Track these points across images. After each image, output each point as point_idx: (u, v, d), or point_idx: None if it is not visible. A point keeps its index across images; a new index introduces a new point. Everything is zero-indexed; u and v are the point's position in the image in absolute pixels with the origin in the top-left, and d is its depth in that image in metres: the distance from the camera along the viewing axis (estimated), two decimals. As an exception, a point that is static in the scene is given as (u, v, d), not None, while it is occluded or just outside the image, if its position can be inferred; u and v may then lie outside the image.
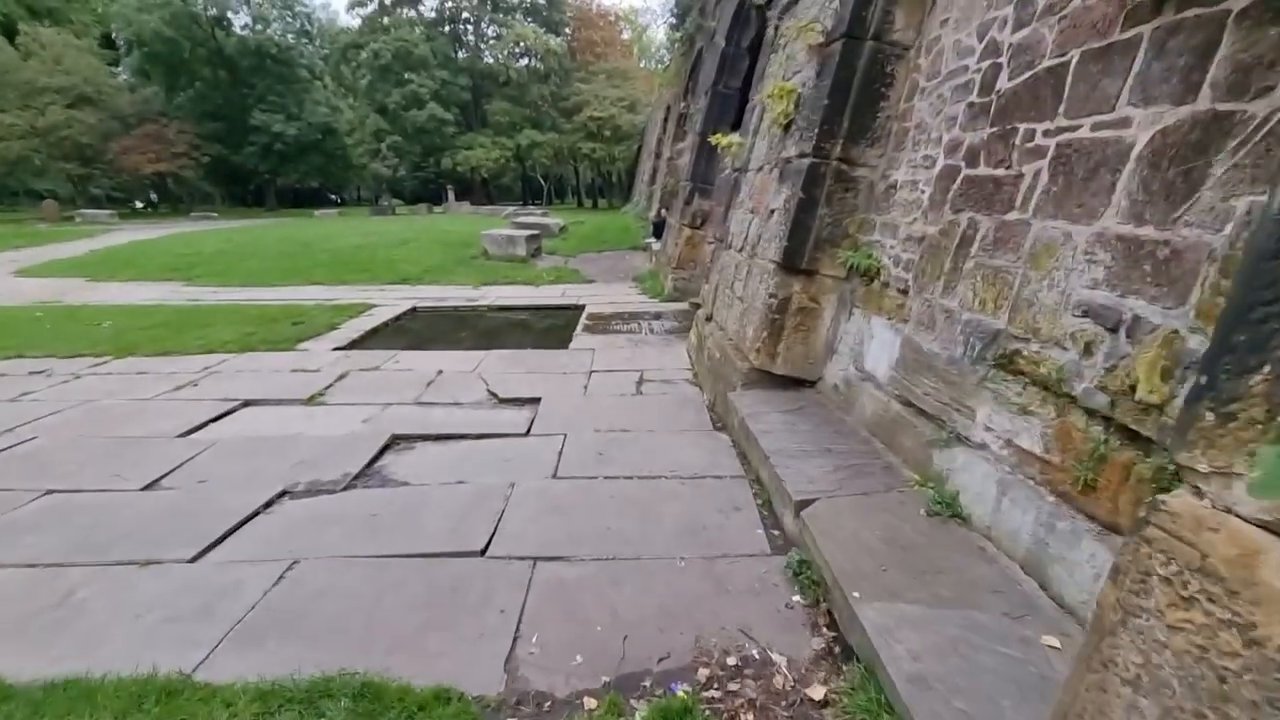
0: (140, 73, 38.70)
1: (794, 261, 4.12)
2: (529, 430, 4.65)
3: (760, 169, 5.27)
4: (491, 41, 42.44)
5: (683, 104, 14.08)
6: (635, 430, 4.60)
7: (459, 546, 3.00)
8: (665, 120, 19.32)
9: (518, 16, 42.60)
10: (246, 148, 39.87)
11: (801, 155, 4.17)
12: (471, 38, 44.56)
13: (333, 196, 48.86)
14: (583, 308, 9.86)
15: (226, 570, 2.82)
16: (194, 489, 3.68)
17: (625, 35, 46.19)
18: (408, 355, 6.86)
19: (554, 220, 18.92)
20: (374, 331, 8.38)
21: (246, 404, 5.27)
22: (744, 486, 3.64)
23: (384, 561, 2.88)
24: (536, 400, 5.32)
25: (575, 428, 4.66)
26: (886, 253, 3.71)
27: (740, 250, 5.43)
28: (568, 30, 44.56)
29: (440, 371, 6.15)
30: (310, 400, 5.36)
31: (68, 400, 5.25)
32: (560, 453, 4.18)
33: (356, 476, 3.87)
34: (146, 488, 3.68)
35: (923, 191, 3.41)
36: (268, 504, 3.48)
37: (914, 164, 3.57)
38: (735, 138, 5.99)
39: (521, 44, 38.48)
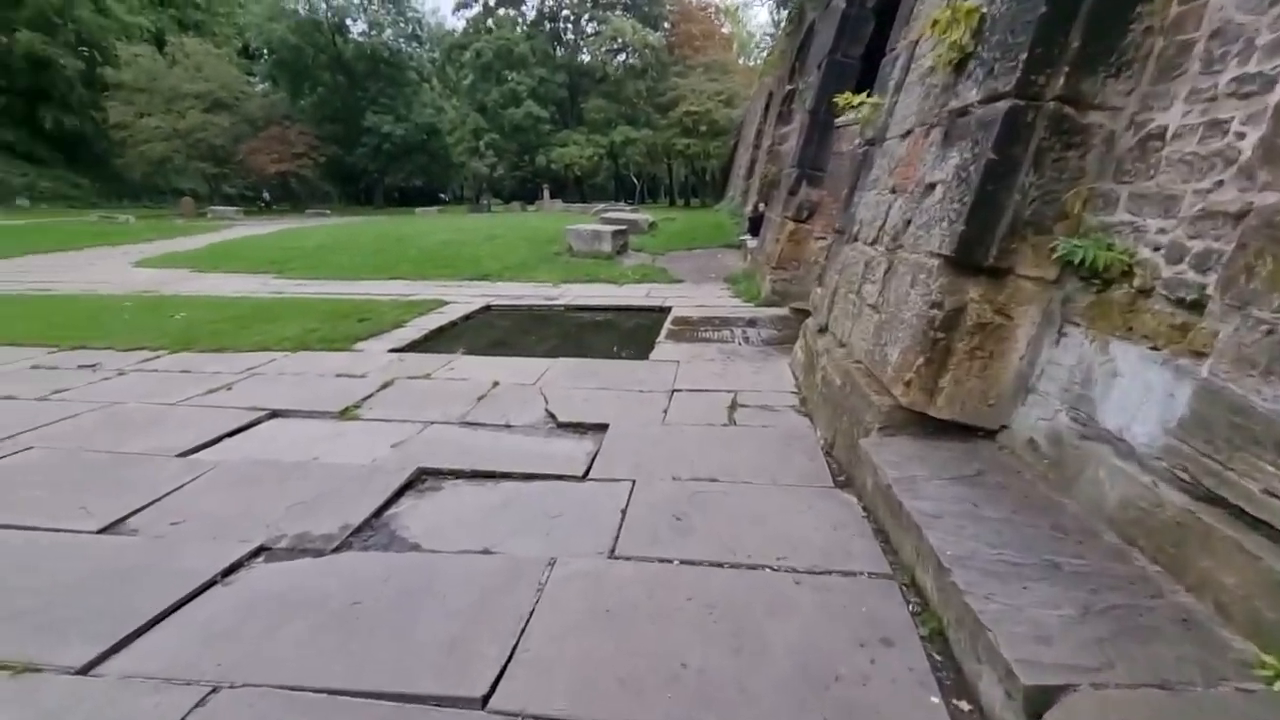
0: (269, 79, 41.63)
1: (972, 256, 2.79)
2: (588, 471, 3.59)
3: (908, 133, 3.93)
4: (590, 38, 42.29)
5: (788, 85, 12.65)
6: (727, 480, 3.42)
7: (452, 684, 1.95)
8: (766, 108, 17.87)
9: (617, 12, 42.16)
10: (359, 148, 41.97)
11: (991, 98, 2.83)
12: (571, 35, 44.68)
13: (442, 195, 50.69)
14: (668, 310, 8.76)
15: (117, 694, 1.93)
16: (158, 535, 2.89)
17: (725, 29, 44.68)
18: (466, 361, 6.02)
19: (643, 216, 17.97)
20: (439, 331, 7.68)
21: (274, 415, 4.57)
22: (892, 594, 2.39)
23: (335, 705, 1.88)
24: (603, 427, 4.25)
25: (648, 471, 3.55)
26: (1147, 240, 2.33)
27: (874, 243, 4.11)
28: (667, 24, 43.66)
29: (496, 383, 5.23)
30: (343, 414, 4.58)
31: (94, 401, 4.76)
32: (625, 511, 3.08)
33: (357, 530, 2.95)
34: (106, 529, 2.92)
35: (1239, 136, 2.02)
36: (232, 568, 2.62)
37: (1209, 96, 2.17)
38: (866, 98, 4.66)
39: (619, 39, 37.98)
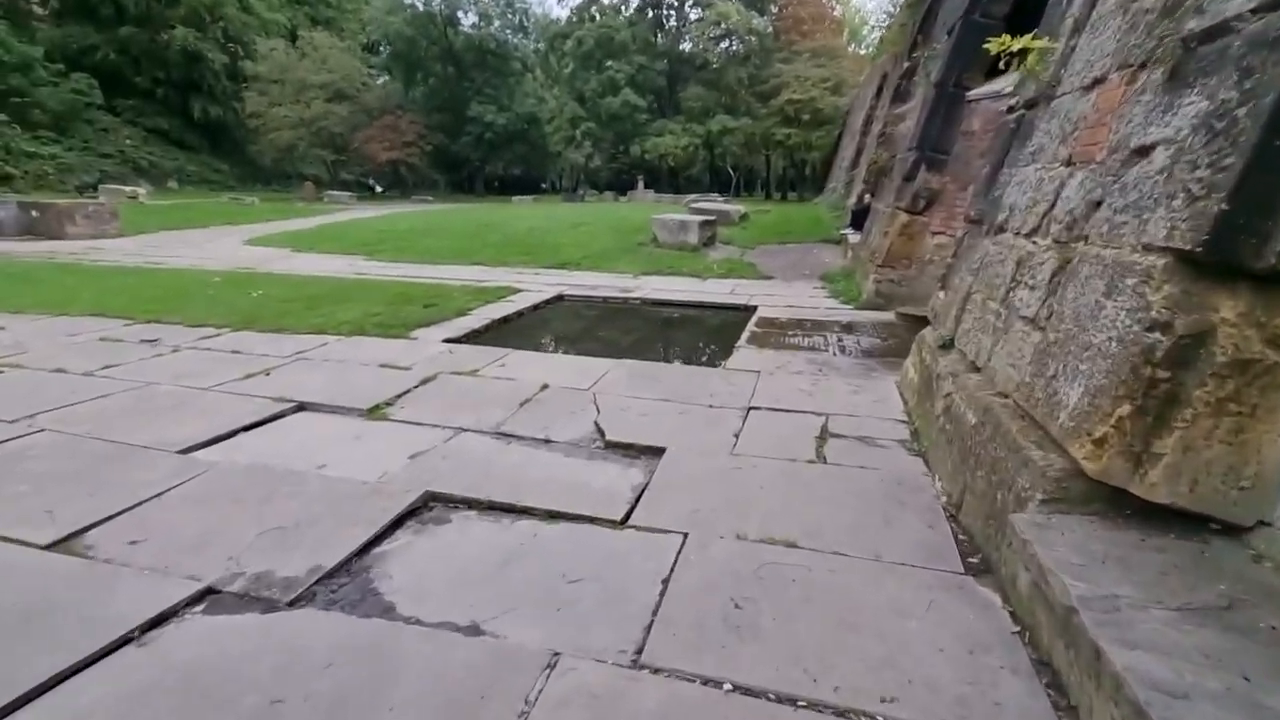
0: (386, 70, 43.75)
1: (1235, 252, 1.75)
2: (629, 513, 2.82)
3: (1095, 83, 2.84)
4: (692, 24, 41.24)
5: (906, 61, 11.21)
6: (810, 545, 2.55)
7: None
8: (878, 92, 16.29)
9: (722, -3, 40.84)
10: (463, 137, 43.30)
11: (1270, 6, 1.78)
12: (673, 21, 43.81)
13: (542, 185, 51.50)
14: (753, 310, 7.83)
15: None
16: (107, 559, 2.41)
17: (837, 10, 42.21)
18: (520, 357, 5.41)
19: (735, 207, 16.93)
20: (504, 321, 7.16)
21: (300, 408, 4.13)
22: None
23: None
24: (658, 451, 3.48)
25: (706, 522, 2.73)
26: None
27: (1032, 234, 3.06)
28: (774, 8, 41.83)
29: (546, 385, 4.57)
30: (371, 412, 4.06)
31: (134, 381, 4.53)
32: (666, 583, 2.29)
33: (329, 574, 2.34)
34: (56, 544, 2.49)
35: None
36: (161, 618, 2.07)
37: None
38: (1032, 41, 3.52)
39: (723, 24, 36.71)
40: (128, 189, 25.60)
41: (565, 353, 5.95)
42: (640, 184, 42.08)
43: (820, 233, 14.37)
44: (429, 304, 7.67)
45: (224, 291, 8.22)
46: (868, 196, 11.56)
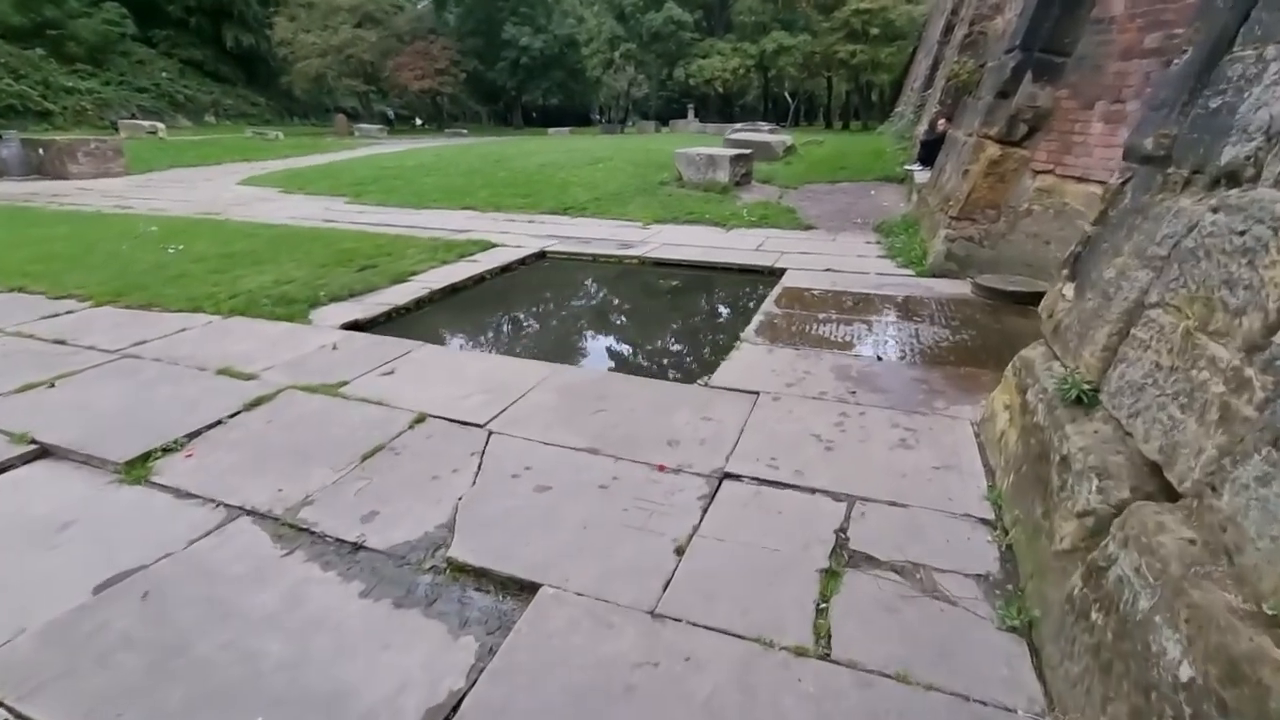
0: (417, -9, 41.11)
1: None
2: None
3: None
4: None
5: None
6: None
7: None
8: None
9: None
10: (499, 63, 40.69)
11: None
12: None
13: (594, 117, 48.04)
14: (780, 275, 6.00)
15: None
16: None
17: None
18: (426, 356, 3.85)
19: (780, 138, 14.54)
20: (453, 290, 5.59)
21: (42, 454, 2.74)
22: None
23: None
24: (528, 591, 1.91)
25: None
26: None
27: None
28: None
29: (423, 418, 3.02)
30: (132, 467, 2.62)
31: None
32: None
33: None
34: None
35: None
36: None
37: None
38: None
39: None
40: (147, 124, 24.78)
41: (496, 349, 4.37)
42: (691, 113, 38.84)
43: (881, 169, 11.99)
44: (367, 265, 6.17)
45: (140, 247, 6.91)
46: (942, 123, 9.19)
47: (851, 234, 8.02)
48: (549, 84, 41.85)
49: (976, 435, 2.85)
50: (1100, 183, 4.94)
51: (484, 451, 2.73)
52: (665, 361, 4.31)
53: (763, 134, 16.05)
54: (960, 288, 5.51)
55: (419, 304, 5.19)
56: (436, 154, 18.45)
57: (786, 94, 47.63)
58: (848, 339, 4.23)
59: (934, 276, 5.89)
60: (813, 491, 2.46)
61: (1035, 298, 5.25)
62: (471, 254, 6.86)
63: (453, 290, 5.62)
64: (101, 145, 16.90)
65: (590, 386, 3.39)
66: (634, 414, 3.07)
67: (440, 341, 4.21)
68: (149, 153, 19.57)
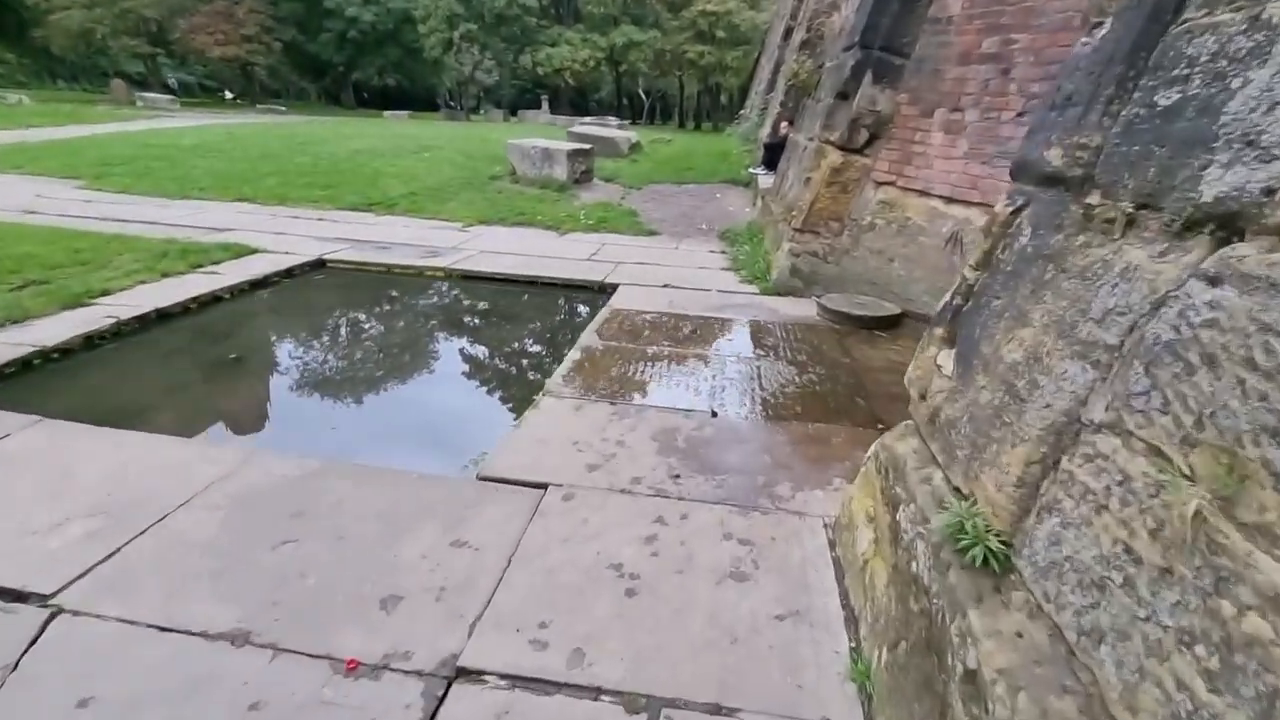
0: (218, -57, 35.40)
1: None
2: None
3: None
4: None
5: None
6: None
7: None
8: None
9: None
10: (322, 34, 36.36)
11: None
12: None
13: (451, 104, 44.06)
14: (611, 291, 5.11)
15: None
16: None
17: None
18: (25, 445, 2.40)
19: (625, 134, 13.80)
20: (156, 319, 4.03)
21: None
22: None
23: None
24: None
25: None
26: None
27: None
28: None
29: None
30: None
31: None
32: None
33: None
34: None
35: None
36: None
37: None
38: None
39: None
40: None
41: (172, 422, 2.98)
42: (545, 105, 37.28)
43: (728, 171, 11.62)
44: (36, 280, 4.38)
45: None
46: (785, 125, 8.89)
47: (695, 241, 7.36)
48: (384, 62, 38.17)
49: (831, 547, 2.07)
50: (944, 199, 4.57)
51: (16, 663, 1.47)
52: (430, 433, 3.18)
53: (609, 129, 15.24)
54: (806, 308, 4.94)
55: (91, 342, 3.60)
56: (229, 133, 15.54)
57: (641, 91, 47.73)
58: (679, 383, 3.39)
59: (779, 294, 5.31)
60: (597, 695, 1.52)
61: (882, 322, 4.82)
62: (216, 263, 5.24)
63: (159, 318, 4.06)
64: None
65: (290, 491, 2.20)
66: (343, 544, 1.95)
67: (85, 411, 2.76)
68: None
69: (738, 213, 8.79)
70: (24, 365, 3.23)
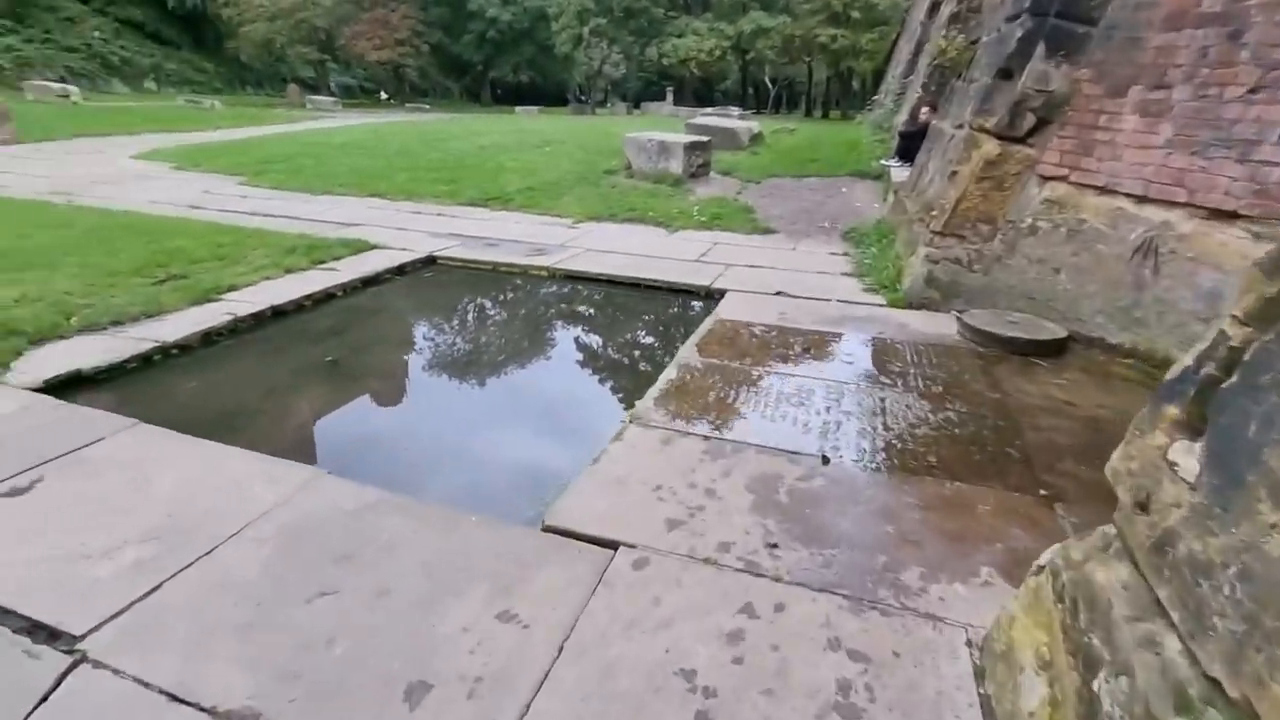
0: (377, -46, 38.51)
1: None
2: None
3: None
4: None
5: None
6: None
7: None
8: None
9: None
10: (465, 35, 38.51)
11: None
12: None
13: (581, 98, 45.44)
14: (718, 299, 4.70)
15: None
16: None
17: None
18: (108, 455, 2.41)
19: (746, 125, 13.14)
20: (272, 316, 4.17)
21: None
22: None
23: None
24: None
25: None
26: None
27: None
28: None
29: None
30: None
31: None
32: None
33: None
34: None
35: None
36: None
37: None
38: None
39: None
40: (58, 87, 22.45)
41: (248, 432, 2.95)
42: (669, 96, 37.21)
43: (855, 163, 10.68)
44: (177, 274, 4.71)
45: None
46: (925, 111, 7.93)
47: (815, 241, 6.72)
48: (519, 59, 39.83)
49: (978, 679, 1.55)
50: (1134, 198, 3.69)
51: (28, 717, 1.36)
52: (504, 459, 2.93)
53: (730, 120, 14.63)
54: (944, 325, 4.24)
55: (209, 339, 3.76)
56: (374, 131, 16.72)
57: (767, 80, 46.24)
58: (785, 415, 2.92)
59: (911, 307, 4.62)
60: None
61: (1042, 347, 4.00)
62: (336, 259, 5.42)
63: (274, 315, 4.19)
64: (-16, 110, 14.83)
65: (342, 527, 2.02)
66: (382, 602, 1.72)
67: (178, 413, 2.81)
68: (53, 119, 17.49)
69: (865, 209, 7.98)
70: (145, 361, 3.40)
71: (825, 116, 35.44)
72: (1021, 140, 4.31)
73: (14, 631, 1.58)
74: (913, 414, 2.98)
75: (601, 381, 3.86)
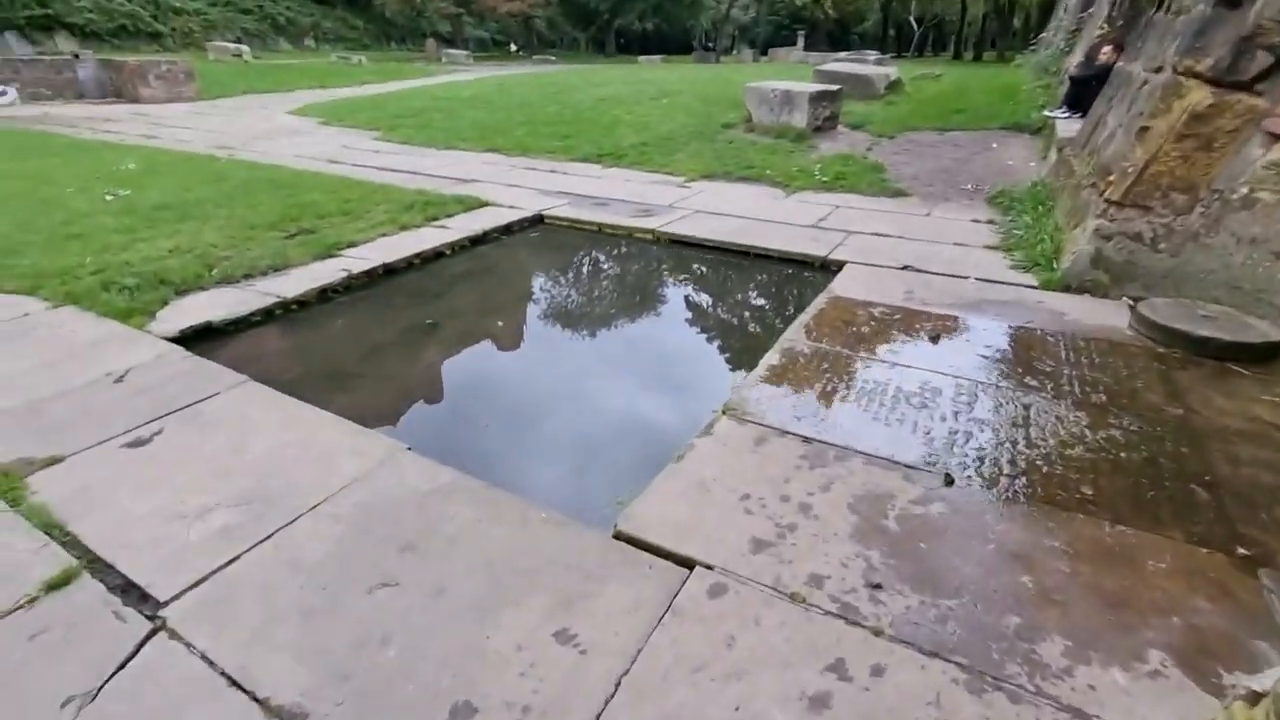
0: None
1: None
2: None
3: None
4: None
5: None
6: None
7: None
8: None
9: None
10: (590, -17, 38.04)
11: None
12: None
13: (696, 45, 43.98)
14: (835, 270, 4.26)
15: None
16: None
17: None
18: (218, 411, 2.52)
19: (883, 71, 11.84)
20: (382, 274, 4.30)
21: None
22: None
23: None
24: None
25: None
26: None
27: None
28: None
29: (70, 576, 1.74)
30: None
31: None
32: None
33: None
34: None
35: None
36: None
37: None
38: None
39: None
40: (233, 47, 24.79)
41: (343, 393, 3.00)
42: (799, 41, 34.95)
43: (1010, 114, 9.31)
44: (306, 229, 4.97)
45: (84, 191, 6.01)
46: (1107, 50, 6.66)
47: (954, 206, 5.94)
48: (645, 6, 38.84)
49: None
50: None
51: (96, 692, 1.41)
52: (579, 445, 2.77)
53: (864, 66, 13.29)
54: (1111, 316, 3.55)
55: (324, 295, 3.92)
56: (499, 84, 16.97)
57: (912, 20, 41.98)
58: (902, 418, 2.54)
59: (1069, 291, 3.92)
60: None
61: (1246, 351, 3.23)
62: (450, 216, 5.51)
63: (385, 273, 4.31)
64: (173, 68, 16.64)
65: (412, 511, 1.97)
66: (440, 601, 1.65)
67: (286, 372, 2.93)
68: (228, 77, 19.39)
69: (1019, 169, 6.94)
70: (266, 314, 3.59)
71: (978, 59, 31.55)
72: (1245, 87, 3.42)
73: (109, 589, 1.67)
74: (1065, 429, 2.49)
75: (696, 363, 3.61)
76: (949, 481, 2.17)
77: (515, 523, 1.93)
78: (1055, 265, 4.17)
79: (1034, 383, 2.85)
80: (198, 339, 3.24)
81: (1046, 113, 8.10)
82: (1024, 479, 2.19)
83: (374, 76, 22.34)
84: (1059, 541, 1.90)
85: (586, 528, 1.94)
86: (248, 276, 4.00)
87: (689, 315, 4.19)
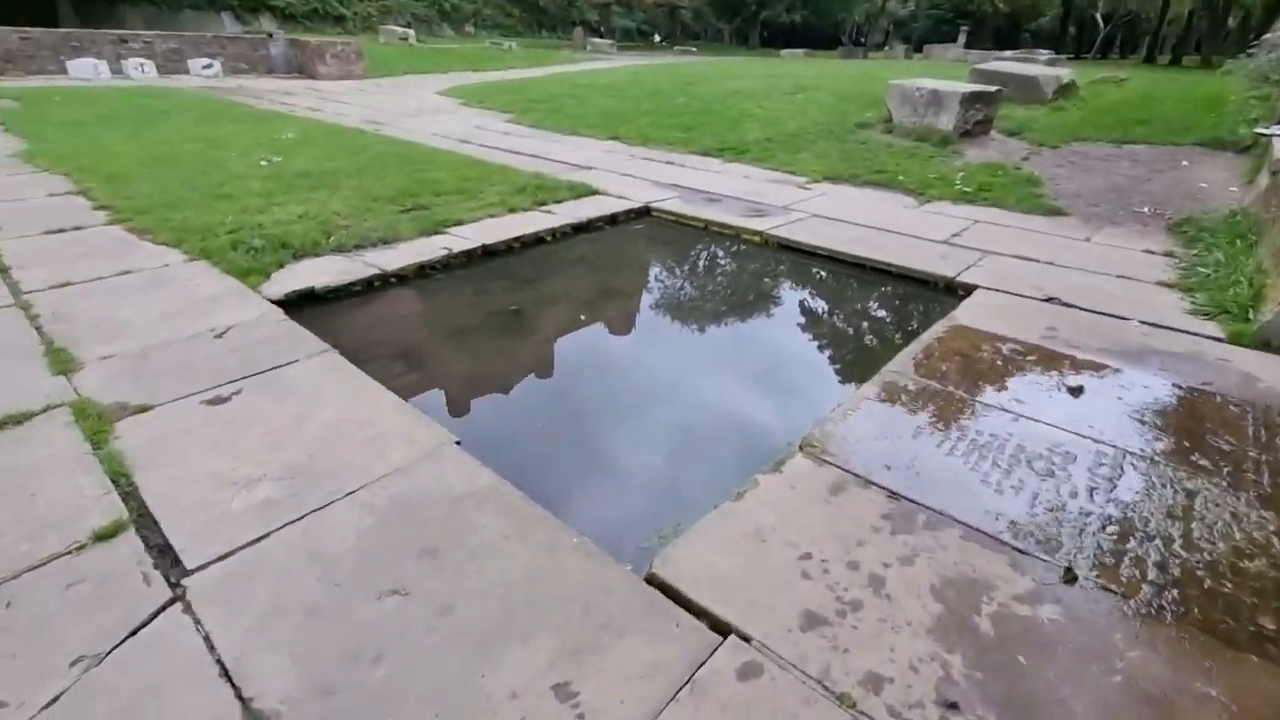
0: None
1: None
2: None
3: None
4: None
5: None
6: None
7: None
8: None
9: None
10: (740, -27, 37.30)
11: None
12: None
13: (861, 40, 41.87)
14: (963, 295, 3.75)
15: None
16: None
17: None
18: (294, 377, 2.57)
19: (1052, 72, 10.46)
20: (481, 255, 4.33)
21: None
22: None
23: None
24: None
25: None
26: None
27: None
28: None
29: (118, 529, 1.79)
30: None
31: None
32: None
33: None
34: None
35: None
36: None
37: None
38: None
39: None
40: (399, 31, 26.85)
41: (411, 372, 2.98)
42: (961, 38, 32.36)
43: (1209, 128, 7.89)
44: (420, 205, 5.14)
45: (244, 157, 6.62)
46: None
47: (1123, 232, 5.08)
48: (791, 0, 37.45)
49: None
50: None
51: (103, 657, 1.42)
52: (634, 462, 2.54)
53: (1033, 66, 11.86)
54: (1327, 392, 2.81)
55: (423, 270, 3.99)
56: (633, 73, 17.03)
57: (1098, 15, 37.43)
58: (1019, 486, 2.11)
59: (1267, 348, 3.17)
60: None
61: None
62: (558, 201, 5.50)
63: (484, 254, 4.34)
64: (346, 48, 18.26)
65: (442, 513, 1.87)
66: (444, 623, 1.53)
67: (364, 347, 2.98)
68: (393, 58, 20.97)
69: (1214, 194, 5.83)
70: (366, 285, 3.71)
71: (1176, 63, 27.56)
72: None
73: (146, 548, 1.70)
74: (1242, 531, 1.95)
75: (781, 387, 3.28)
76: (1071, 578, 1.75)
77: (543, 545, 1.77)
78: (1251, 315, 3.40)
79: (1205, 463, 2.29)
80: (299, 303, 3.39)
81: (1260, 129, 6.76)
82: (1175, 591, 1.72)
83: (521, 62, 23.35)
84: (1216, 689, 1.45)
85: (617, 563, 1.74)
86: (359, 247, 4.17)
87: (783, 331, 3.85)
